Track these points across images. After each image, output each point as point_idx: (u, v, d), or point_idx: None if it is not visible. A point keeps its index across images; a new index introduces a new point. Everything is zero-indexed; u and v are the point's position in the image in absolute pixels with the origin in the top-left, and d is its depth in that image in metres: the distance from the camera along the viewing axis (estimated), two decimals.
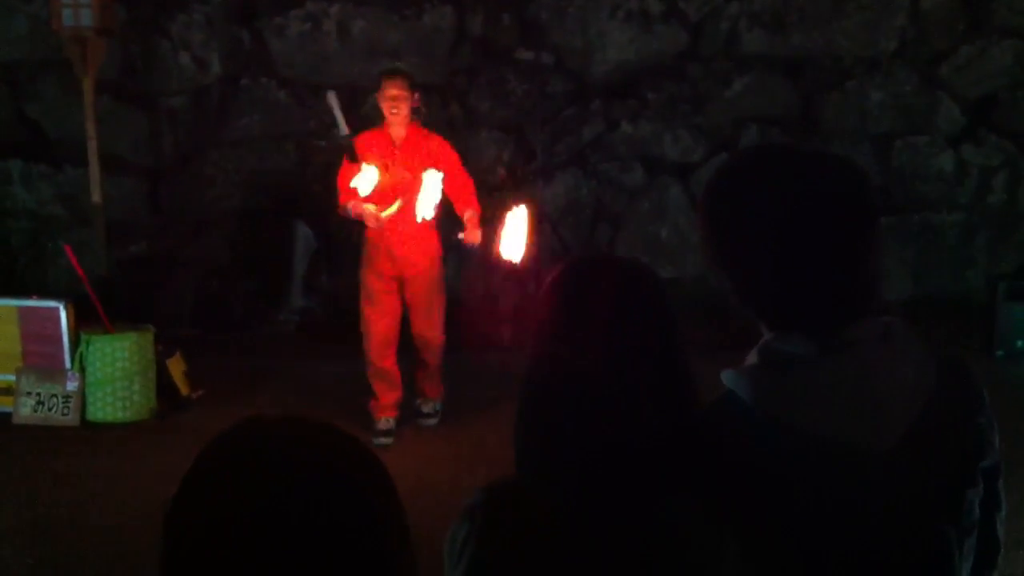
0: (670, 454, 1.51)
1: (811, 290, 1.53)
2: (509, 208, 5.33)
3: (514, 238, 5.25)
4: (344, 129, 5.82)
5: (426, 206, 5.65)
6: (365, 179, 5.69)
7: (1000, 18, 8.03)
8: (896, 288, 7.88)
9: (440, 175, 5.68)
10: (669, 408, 1.54)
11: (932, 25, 8.07)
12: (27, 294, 6.65)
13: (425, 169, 5.72)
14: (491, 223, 8.05)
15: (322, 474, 1.14)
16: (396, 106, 5.79)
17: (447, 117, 8.06)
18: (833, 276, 1.53)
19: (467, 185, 6.04)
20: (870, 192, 1.57)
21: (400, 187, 5.82)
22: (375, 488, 1.18)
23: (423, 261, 6.00)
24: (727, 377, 1.58)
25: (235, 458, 1.16)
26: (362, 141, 5.97)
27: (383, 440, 5.98)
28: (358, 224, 6.02)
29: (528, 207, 5.38)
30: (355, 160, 5.83)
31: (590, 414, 1.52)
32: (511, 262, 5.33)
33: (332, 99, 5.88)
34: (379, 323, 6.00)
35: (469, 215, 5.93)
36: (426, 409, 6.34)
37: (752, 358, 1.59)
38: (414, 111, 5.93)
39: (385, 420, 6.12)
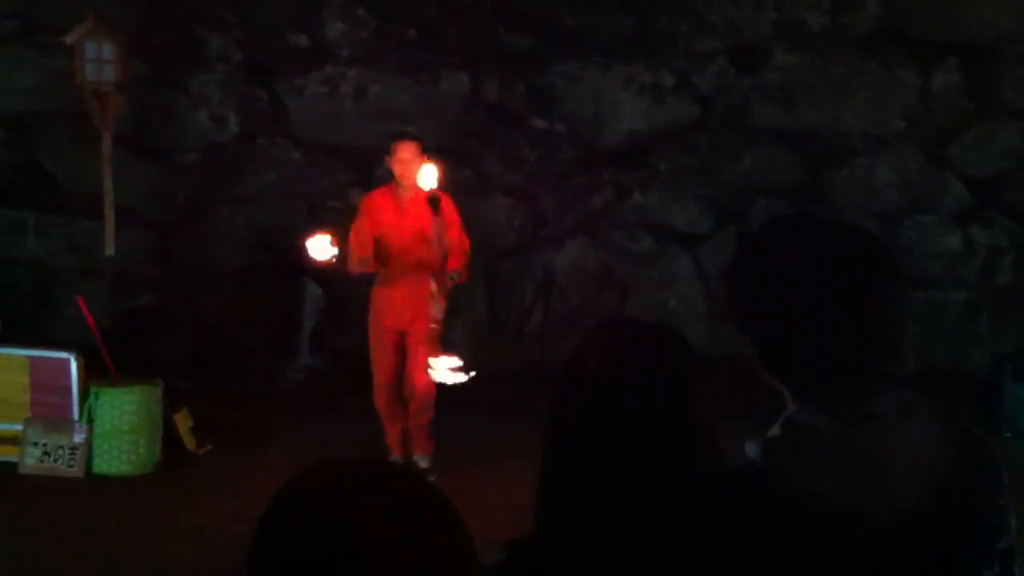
0: (688, 514, 1.52)
1: (831, 360, 1.54)
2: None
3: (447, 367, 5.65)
4: None
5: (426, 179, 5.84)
6: (320, 245, 5.84)
7: (1008, 100, 8.13)
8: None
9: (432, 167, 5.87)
10: (690, 469, 1.56)
11: (940, 105, 8.17)
12: (33, 343, 6.64)
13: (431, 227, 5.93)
14: (500, 289, 8.16)
15: (397, 519, 1.18)
16: (407, 168, 5.99)
17: (459, 181, 8.13)
18: (854, 347, 1.53)
19: (462, 243, 6.22)
20: (894, 264, 1.60)
21: (407, 246, 6.01)
22: (447, 529, 1.23)
23: (425, 315, 6.09)
24: (749, 448, 1.60)
25: (312, 500, 1.20)
26: (371, 199, 6.23)
27: None
28: (366, 282, 6.19)
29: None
30: (362, 216, 6.08)
31: (616, 472, 1.54)
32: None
33: None
34: (381, 376, 6.23)
35: (445, 280, 6.06)
36: (422, 465, 6.34)
37: (775, 430, 1.60)
38: None
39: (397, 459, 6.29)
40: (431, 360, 5.78)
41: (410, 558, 1.16)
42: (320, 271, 7.99)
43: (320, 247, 5.85)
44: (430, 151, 6.18)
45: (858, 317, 1.54)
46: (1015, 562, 1.63)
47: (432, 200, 5.86)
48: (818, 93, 8.25)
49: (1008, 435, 7.28)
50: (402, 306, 6.11)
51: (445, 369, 5.71)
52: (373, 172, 8.02)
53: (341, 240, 5.92)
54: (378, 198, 6.22)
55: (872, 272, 1.56)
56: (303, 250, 5.90)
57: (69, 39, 7.03)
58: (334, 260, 5.91)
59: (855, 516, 1.48)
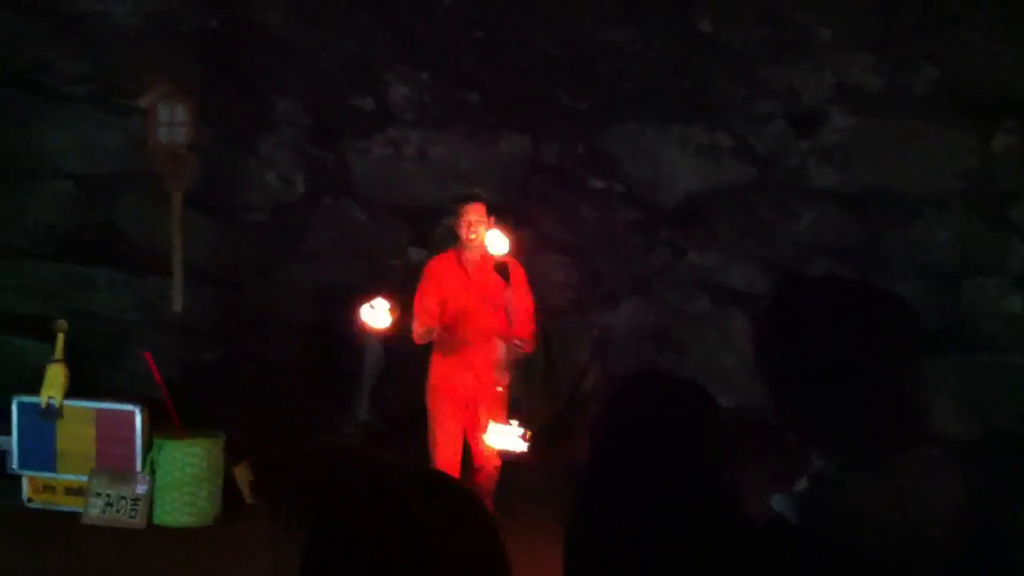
0: (720, 569, 1.57)
1: (860, 419, 1.59)
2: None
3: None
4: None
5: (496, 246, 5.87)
6: (377, 313, 5.83)
7: None
8: (964, 428, 7.76)
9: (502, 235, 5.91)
10: (716, 525, 1.62)
11: (1000, 167, 8.12)
12: (101, 397, 6.82)
13: (499, 293, 5.92)
14: (556, 348, 8.22)
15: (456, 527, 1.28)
16: (475, 230, 5.96)
17: (517, 242, 8.23)
18: (881, 406, 1.59)
19: (527, 309, 6.14)
20: (918, 327, 1.65)
21: (473, 312, 5.96)
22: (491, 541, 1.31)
23: (491, 386, 6.08)
24: (776, 501, 1.65)
25: (374, 503, 1.28)
26: (436, 264, 6.17)
27: None
28: (427, 347, 6.16)
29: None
30: (427, 281, 6.04)
31: (641, 527, 1.60)
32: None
33: None
34: (445, 449, 6.06)
35: (512, 348, 6.00)
36: None
37: (802, 484, 1.65)
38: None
39: None
40: (491, 426, 5.65)
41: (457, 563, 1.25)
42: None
43: (377, 315, 5.80)
44: (495, 212, 6.26)
45: (884, 381, 1.59)
46: None
47: (501, 268, 5.84)
48: (876, 155, 8.24)
49: None
50: (468, 375, 6.03)
51: (506, 436, 5.59)
52: (432, 231, 8.19)
53: (401, 304, 5.94)
54: (443, 263, 6.16)
55: (897, 337, 1.62)
56: (358, 316, 5.90)
57: (143, 102, 7.28)
58: (390, 328, 5.89)
59: (887, 565, 1.53)
